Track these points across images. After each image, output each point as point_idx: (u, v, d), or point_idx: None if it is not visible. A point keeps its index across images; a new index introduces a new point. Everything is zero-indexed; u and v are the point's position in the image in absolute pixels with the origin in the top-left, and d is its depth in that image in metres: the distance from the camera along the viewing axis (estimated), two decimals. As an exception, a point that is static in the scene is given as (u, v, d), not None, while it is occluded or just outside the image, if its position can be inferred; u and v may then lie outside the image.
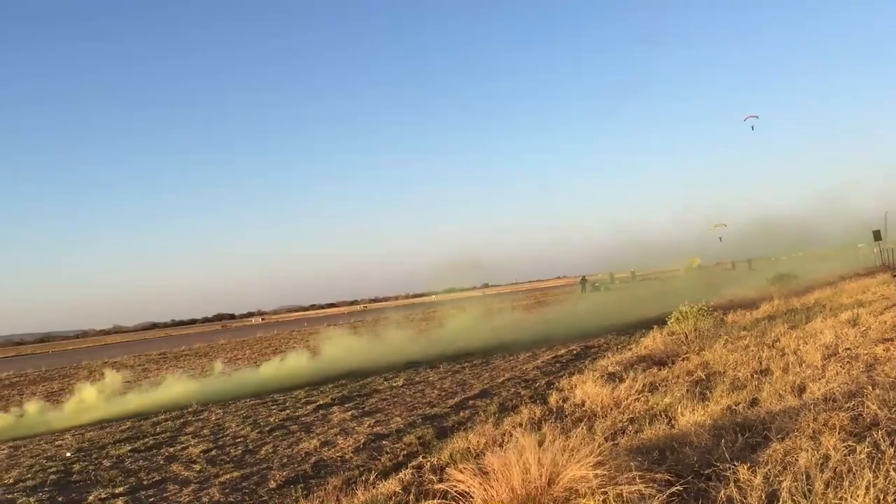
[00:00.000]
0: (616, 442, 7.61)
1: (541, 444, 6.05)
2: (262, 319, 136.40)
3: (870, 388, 7.97)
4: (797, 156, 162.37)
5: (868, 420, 6.55)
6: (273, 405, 16.79)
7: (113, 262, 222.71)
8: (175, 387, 21.16)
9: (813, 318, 17.25)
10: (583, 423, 9.34)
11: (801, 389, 9.02)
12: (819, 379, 9.34)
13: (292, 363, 24.88)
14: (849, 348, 11.63)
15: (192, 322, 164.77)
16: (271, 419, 14.61)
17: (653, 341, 18.01)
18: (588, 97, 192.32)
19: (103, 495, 9.56)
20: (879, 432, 5.89)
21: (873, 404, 6.89)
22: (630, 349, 18.21)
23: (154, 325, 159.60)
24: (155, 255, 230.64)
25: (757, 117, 47.32)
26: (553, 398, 12.27)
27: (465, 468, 6.24)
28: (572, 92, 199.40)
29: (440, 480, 7.72)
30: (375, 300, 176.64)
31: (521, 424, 9.98)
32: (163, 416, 16.75)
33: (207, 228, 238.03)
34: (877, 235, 43.53)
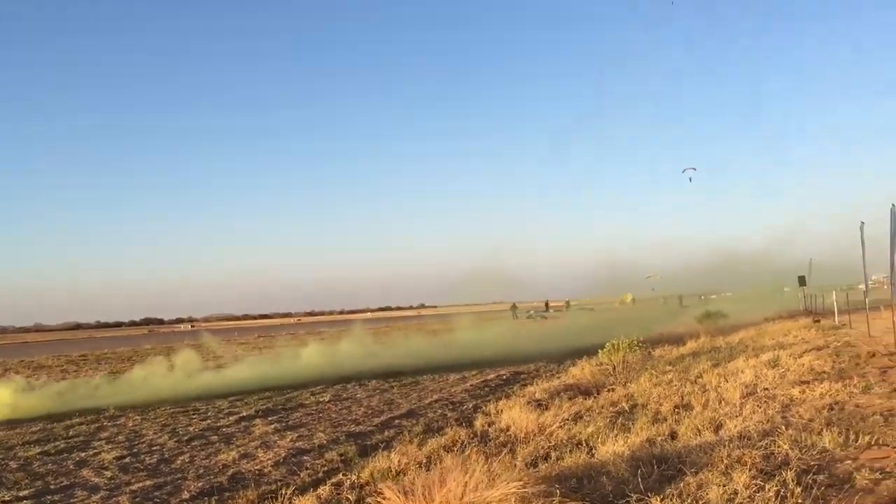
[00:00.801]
0: (537, 468, 7.66)
1: (464, 466, 6.05)
2: (192, 326, 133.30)
3: (783, 427, 8.21)
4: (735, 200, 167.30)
5: (779, 459, 6.73)
6: (194, 414, 16.43)
7: (35, 257, 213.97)
8: (93, 389, 20.55)
9: (736, 357, 17.71)
10: (506, 449, 9.40)
11: (719, 426, 9.22)
12: (736, 416, 9.58)
13: (216, 373, 24.41)
14: (767, 388, 11.96)
15: (119, 325, 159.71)
16: (191, 428, 14.29)
17: (581, 371, 18.22)
18: (539, 134, 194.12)
19: (7, 498, 9.19)
20: (789, 472, 6.06)
21: (785, 444, 7.09)
22: (558, 377, 18.40)
23: (78, 326, 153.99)
24: (81, 252, 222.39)
25: (695, 169, 48.87)
26: (479, 422, 12.31)
27: (386, 487, 6.19)
28: (526, 130, 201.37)
29: (359, 499, 7.65)
30: (311, 314, 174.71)
31: (445, 446, 9.98)
32: (77, 420, 16.22)
33: (138, 228, 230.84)
34: (801, 281, 45.02)
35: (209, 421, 15.17)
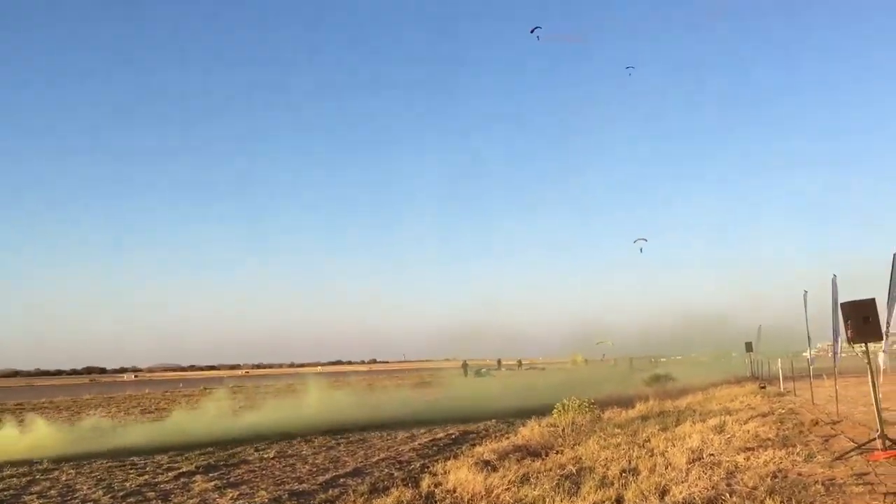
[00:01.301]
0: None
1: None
2: (136, 376, 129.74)
3: (728, 495, 8.25)
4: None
5: (723, 527, 6.74)
6: (132, 469, 15.84)
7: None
8: (26, 440, 19.78)
9: (683, 421, 17.82)
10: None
11: (665, 491, 9.22)
12: (682, 482, 9.59)
13: (156, 425, 23.72)
14: (713, 454, 12.03)
15: (59, 373, 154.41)
16: (127, 484, 13.76)
17: (530, 432, 18.13)
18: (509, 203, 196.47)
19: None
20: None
21: (729, 511, 7.11)
22: (508, 438, 18.26)
23: (16, 373, 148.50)
24: (23, 297, 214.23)
25: (646, 240, 49.96)
26: (426, 482, 12.08)
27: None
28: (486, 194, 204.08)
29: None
30: (259, 366, 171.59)
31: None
32: (7, 472, 15.51)
33: (84, 274, 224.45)
34: (749, 347, 45.75)
35: (147, 476, 14.63)
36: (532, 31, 42.65)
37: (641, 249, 49.09)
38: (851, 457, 10.60)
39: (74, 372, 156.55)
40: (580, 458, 13.32)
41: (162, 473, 14.97)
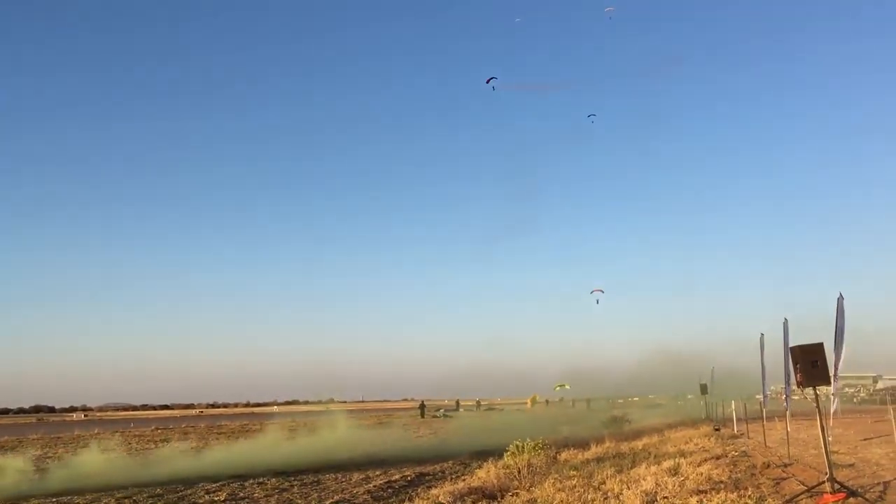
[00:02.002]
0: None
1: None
2: (85, 416, 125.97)
3: (680, 538, 8.27)
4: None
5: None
6: (76, 512, 15.36)
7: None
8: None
9: (638, 463, 17.87)
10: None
11: (618, 535, 9.22)
12: (636, 525, 9.60)
13: (105, 466, 23.05)
14: (666, 497, 12.07)
15: (6, 412, 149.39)
16: (71, 527, 13.32)
17: (487, 473, 18.01)
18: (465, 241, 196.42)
19: None
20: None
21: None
22: (464, 479, 18.12)
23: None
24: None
25: (602, 291, 50.49)
26: (379, 525, 11.92)
27: None
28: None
29: None
30: (214, 405, 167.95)
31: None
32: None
33: (34, 311, 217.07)
34: (703, 389, 46.24)
35: (92, 519, 14.20)
36: (488, 82, 43.15)
37: (598, 301, 49.57)
38: (801, 500, 10.74)
39: (22, 411, 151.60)
40: (535, 501, 13.27)
41: (107, 517, 14.54)
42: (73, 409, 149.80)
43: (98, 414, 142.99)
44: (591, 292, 50.00)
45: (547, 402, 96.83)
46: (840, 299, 12.12)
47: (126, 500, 16.74)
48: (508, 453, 18.93)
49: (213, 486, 19.06)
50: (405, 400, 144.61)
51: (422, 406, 72.44)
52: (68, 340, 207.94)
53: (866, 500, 10.31)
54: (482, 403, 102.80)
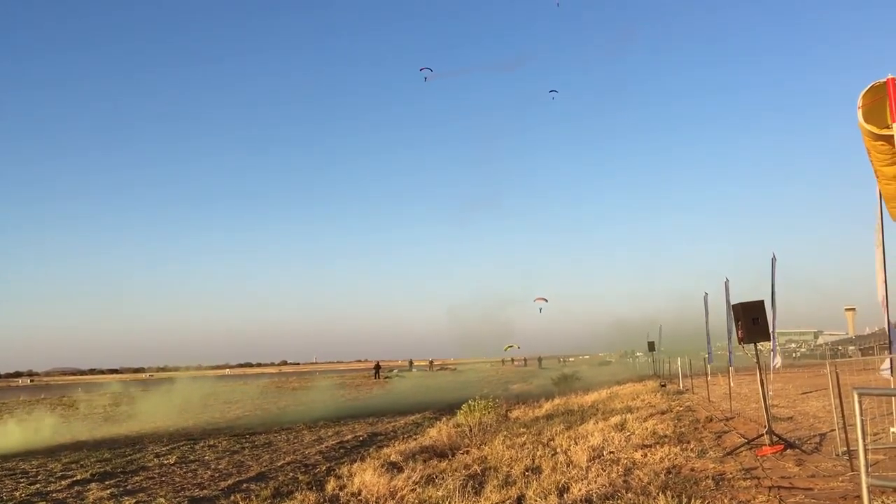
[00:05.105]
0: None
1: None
2: (32, 381, 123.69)
3: (624, 491, 8.48)
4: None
5: (617, 522, 6.92)
6: (22, 478, 15.05)
7: None
8: None
9: (587, 420, 18.21)
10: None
11: (565, 489, 9.40)
12: (582, 480, 9.79)
13: (50, 430, 22.69)
14: (612, 452, 12.34)
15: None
16: (17, 493, 13.06)
17: (438, 432, 18.18)
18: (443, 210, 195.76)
19: None
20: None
21: (624, 507, 7.31)
22: (415, 439, 18.28)
23: None
24: None
25: (546, 300, 50.92)
26: (331, 485, 11.95)
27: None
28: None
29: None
30: (164, 369, 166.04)
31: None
32: None
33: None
34: (651, 346, 47.35)
35: (38, 485, 13.93)
36: (421, 70, 44.02)
37: (541, 310, 50.21)
38: (741, 452, 11.07)
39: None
40: (486, 458, 13.44)
41: (55, 482, 14.28)
42: (18, 375, 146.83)
43: (45, 379, 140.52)
44: (535, 300, 50.64)
45: (503, 362, 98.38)
46: (773, 259, 12.42)
47: (73, 465, 16.49)
48: (460, 412, 19.18)
49: (163, 448, 18.92)
50: (358, 360, 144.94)
51: (377, 367, 72.73)
52: (13, 305, 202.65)
53: (803, 451, 10.68)
54: (435, 364, 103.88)
